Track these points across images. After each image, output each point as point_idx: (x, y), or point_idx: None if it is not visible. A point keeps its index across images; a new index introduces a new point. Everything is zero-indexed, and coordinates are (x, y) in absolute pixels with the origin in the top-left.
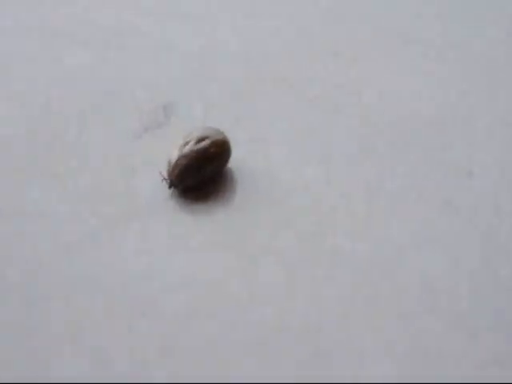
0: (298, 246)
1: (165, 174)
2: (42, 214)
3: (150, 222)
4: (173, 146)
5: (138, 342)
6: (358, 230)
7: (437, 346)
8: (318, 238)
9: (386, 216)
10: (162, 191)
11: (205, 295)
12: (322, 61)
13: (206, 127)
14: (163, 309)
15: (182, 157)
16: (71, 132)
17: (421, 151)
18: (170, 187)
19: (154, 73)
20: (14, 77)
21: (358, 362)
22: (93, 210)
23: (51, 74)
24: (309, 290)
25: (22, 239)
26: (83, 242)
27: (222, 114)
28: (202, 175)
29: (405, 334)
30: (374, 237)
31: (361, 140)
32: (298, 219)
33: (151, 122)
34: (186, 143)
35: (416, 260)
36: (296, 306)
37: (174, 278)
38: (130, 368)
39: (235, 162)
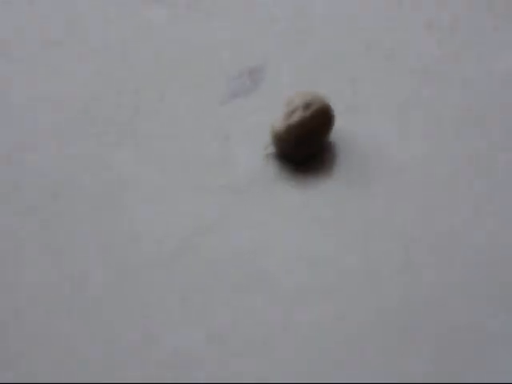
0: (413, 221)
1: (270, 146)
2: (137, 181)
3: (254, 194)
4: (273, 114)
5: (254, 318)
6: (474, 208)
7: None
8: (436, 214)
9: (503, 192)
10: (261, 162)
11: (321, 271)
12: (418, 32)
13: (306, 92)
14: (279, 284)
15: (291, 127)
16: (155, 95)
17: None
18: (275, 160)
19: (239, 35)
20: (91, 36)
21: None
22: (191, 181)
23: (131, 32)
24: (429, 269)
25: (119, 206)
26: (183, 211)
27: (311, 81)
28: (312, 146)
29: None
30: (494, 216)
31: (465, 112)
32: (411, 194)
33: (238, 87)
34: (292, 112)
35: None
36: (420, 287)
37: (288, 254)
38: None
39: (336, 132)
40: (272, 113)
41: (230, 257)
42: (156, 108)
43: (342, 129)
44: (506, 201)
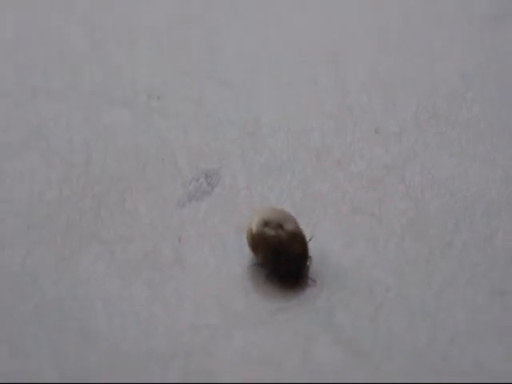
0: None
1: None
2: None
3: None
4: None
5: None
6: None
7: None
8: (375, 321)
9: None
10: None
11: None
12: (365, 136)
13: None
14: None
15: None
16: (116, 199)
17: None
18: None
19: (195, 139)
20: (52, 139)
21: None
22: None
23: (89, 135)
24: None
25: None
26: (137, 312)
27: (265, 186)
28: None
29: None
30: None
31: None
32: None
33: (195, 190)
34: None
35: None
36: None
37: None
38: None
39: None
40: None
41: None
42: (115, 212)
43: None
44: None
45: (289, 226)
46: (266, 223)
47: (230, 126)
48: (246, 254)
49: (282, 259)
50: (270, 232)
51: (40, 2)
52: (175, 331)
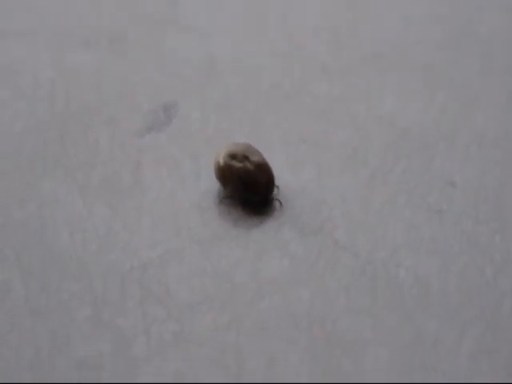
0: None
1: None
2: (57, 201)
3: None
4: (186, 146)
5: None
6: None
7: (431, 338)
8: (320, 235)
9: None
10: (170, 188)
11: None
12: (312, 74)
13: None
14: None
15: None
16: (79, 130)
17: (408, 162)
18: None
19: (154, 75)
20: (19, 77)
21: (359, 352)
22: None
23: (54, 73)
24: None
25: (38, 225)
26: (97, 229)
27: (219, 118)
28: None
29: (402, 326)
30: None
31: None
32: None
33: (153, 122)
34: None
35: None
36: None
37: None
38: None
39: None
40: (184, 145)
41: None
42: (78, 142)
43: None
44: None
45: (255, 158)
46: (232, 156)
47: (188, 64)
48: (202, 179)
49: (250, 189)
50: (237, 164)
51: None
52: (133, 246)
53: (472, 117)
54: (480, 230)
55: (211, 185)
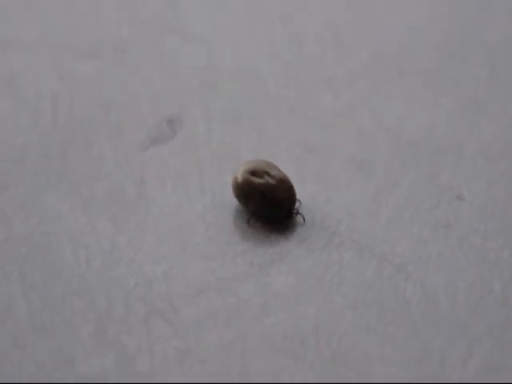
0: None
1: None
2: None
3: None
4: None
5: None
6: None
7: (439, 354)
8: (326, 250)
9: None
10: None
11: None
12: (316, 85)
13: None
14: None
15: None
16: (83, 144)
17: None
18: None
19: (157, 87)
20: (21, 88)
21: (365, 369)
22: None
23: (57, 84)
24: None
25: (41, 241)
26: (101, 245)
27: (224, 130)
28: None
29: (409, 342)
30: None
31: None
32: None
33: (157, 135)
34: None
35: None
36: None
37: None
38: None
39: None
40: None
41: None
42: (81, 155)
43: None
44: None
45: (275, 172)
46: (252, 172)
47: (191, 74)
48: (206, 193)
49: (274, 204)
50: (258, 180)
51: None
52: (137, 262)
53: (479, 127)
54: (488, 245)
55: (216, 199)
